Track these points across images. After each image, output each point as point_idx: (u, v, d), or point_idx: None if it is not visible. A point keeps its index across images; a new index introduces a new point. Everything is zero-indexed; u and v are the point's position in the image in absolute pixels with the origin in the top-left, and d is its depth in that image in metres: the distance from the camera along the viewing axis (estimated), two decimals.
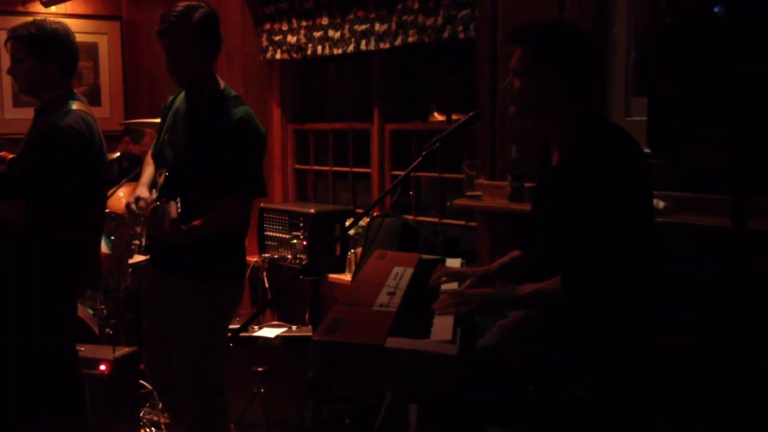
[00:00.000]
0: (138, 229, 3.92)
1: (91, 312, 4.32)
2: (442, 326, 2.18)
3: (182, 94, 3.14)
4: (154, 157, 3.18)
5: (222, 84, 3.05)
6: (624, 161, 2.19)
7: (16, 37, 3.04)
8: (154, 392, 3.74)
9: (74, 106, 3.07)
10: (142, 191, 3.07)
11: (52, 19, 3.51)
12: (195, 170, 2.94)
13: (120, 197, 4.39)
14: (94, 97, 5.89)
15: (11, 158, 3.14)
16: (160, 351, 3.13)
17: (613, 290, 2.12)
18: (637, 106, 3.04)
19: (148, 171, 3.20)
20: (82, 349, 3.73)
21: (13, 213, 2.95)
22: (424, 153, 2.45)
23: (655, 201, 2.72)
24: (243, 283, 3.18)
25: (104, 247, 4.22)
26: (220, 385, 3.08)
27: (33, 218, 2.93)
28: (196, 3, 2.97)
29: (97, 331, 4.18)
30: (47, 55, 3.03)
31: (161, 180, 3.04)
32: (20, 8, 5.53)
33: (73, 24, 5.71)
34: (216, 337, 3.04)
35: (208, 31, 2.94)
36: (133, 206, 2.98)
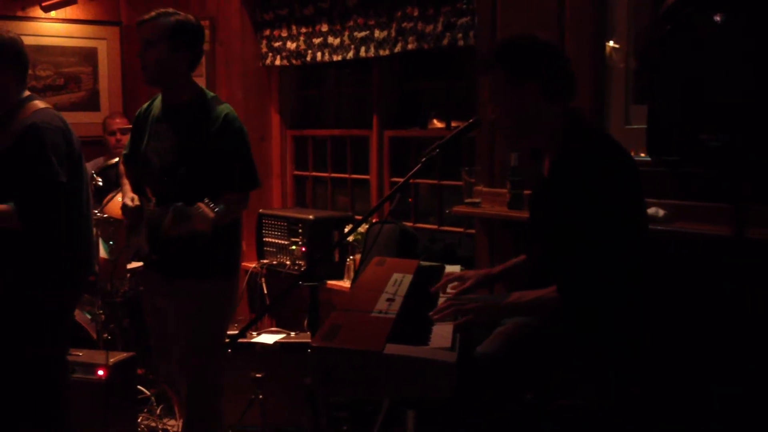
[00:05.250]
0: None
1: (89, 317, 4.31)
2: (441, 333, 2.17)
3: (157, 102, 3.18)
4: (138, 166, 3.18)
5: (199, 87, 3.12)
6: (612, 168, 2.20)
7: None
8: (164, 387, 3.74)
9: (41, 104, 3.07)
10: (134, 197, 3.10)
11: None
12: (188, 172, 2.97)
13: (118, 202, 4.37)
14: (93, 102, 5.90)
15: None
16: (164, 349, 3.21)
17: (607, 299, 2.13)
18: (636, 113, 3.05)
19: (129, 181, 3.24)
20: (80, 354, 3.73)
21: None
22: (424, 159, 2.46)
23: (654, 209, 2.73)
24: (239, 280, 3.26)
25: (102, 252, 4.21)
26: (219, 386, 3.14)
27: (28, 218, 2.92)
28: (173, 9, 3.06)
29: (95, 336, 4.17)
30: (6, 63, 3.02)
31: (151, 207, 3.07)
32: (20, 13, 5.53)
33: (72, 29, 5.76)
34: (216, 335, 3.10)
35: (188, 36, 3.02)
36: (130, 202, 3.01)
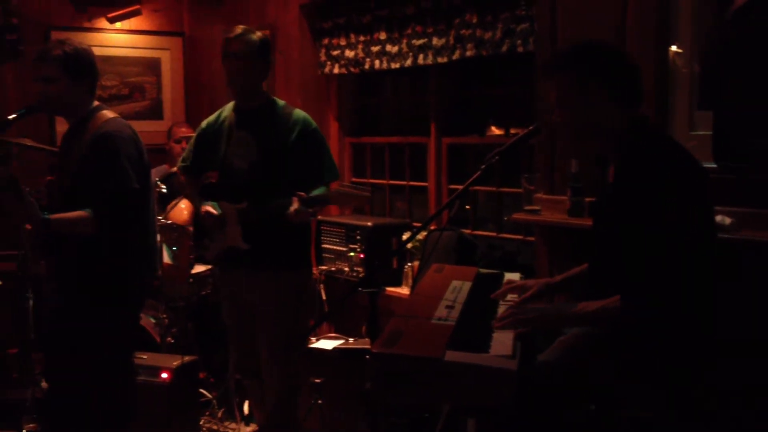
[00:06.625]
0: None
1: (153, 321, 4.40)
2: (502, 341, 2.16)
3: (227, 112, 3.48)
4: (220, 171, 3.47)
5: (267, 94, 3.49)
6: (681, 175, 2.16)
7: (50, 57, 3.10)
8: (238, 384, 3.86)
9: (110, 114, 3.16)
10: (212, 204, 3.42)
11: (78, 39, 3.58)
12: (276, 172, 3.32)
13: (182, 208, 4.47)
14: (156, 111, 6.04)
15: (49, 180, 3.24)
16: (246, 344, 3.51)
17: (675, 309, 2.09)
18: (701, 120, 2.99)
19: (193, 186, 3.57)
20: (144, 357, 3.81)
21: (72, 225, 3.02)
22: (483, 167, 2.45)
23: (720, 217, 2.67)
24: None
25: (166, 257, 4.31)
26: (297, 386, 3.51)
27: (103, 224, 3.01)
28: (247, 27, 3.43)
29: (158, 339, 4.26)
30: (80, 74, 3.12)
31: (234, 210, 3.35)
32: (86, 24, 5.70)
33: (137, 40, 5.91)
34: (300, 319, 3.45)
35: (267, 51, 3.44)
36: (213, 210, 3.35)
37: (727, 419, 2.67)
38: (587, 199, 3.24)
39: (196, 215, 3.56)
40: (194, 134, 3.65)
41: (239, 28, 3.39)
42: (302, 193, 3.19)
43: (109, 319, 3.12)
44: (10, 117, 3.11)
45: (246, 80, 3.37)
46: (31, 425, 4.09)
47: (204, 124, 3.57)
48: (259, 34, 3.41)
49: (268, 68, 3.47)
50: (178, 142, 5.17)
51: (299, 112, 3.45)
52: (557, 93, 2.31)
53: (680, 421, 2.18)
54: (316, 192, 3.31)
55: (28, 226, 3.06)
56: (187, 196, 3.61)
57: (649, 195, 2.13)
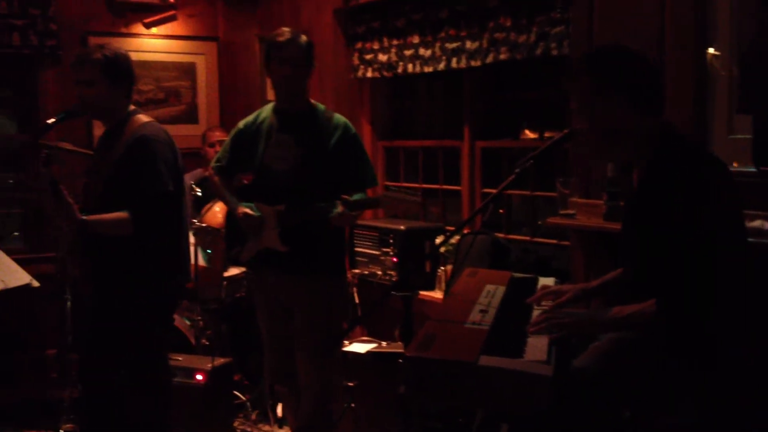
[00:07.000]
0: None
1: (188, 323, 4.45)
2: (537, 346, 2.15)
3: (267, 114, 3.47)
4: (257, 173, 3.46)
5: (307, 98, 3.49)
6: (706, 180, 2.13)
7: (90, 60, 3.15)
8: (275, 389, 3.87)
9: (145, 118, 3.21)
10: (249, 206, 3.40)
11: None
12: (317, 175, 3.33)
13: (216, 212, 4.51)
14: (191, 115, 6.10)
15: (84, 183, 3.30)
16: (281, 349, 3.50)
17: (709, 314, 2.06)
18: (740, 123, 2.94)
19: (227, 187, 3.54)
20: (180, 359, 3.85)
21: (110, 227, 3.06)
22: (517, 170, 2.44)
23: (759, 222, 2.64)
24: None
25: (201, 260, 4.35)
26: (335, 388, 3.53)
27: (140, 226, 3.05)
28: (294, 30, 3.45)
29: (193, 341, 4.30)
30: (118, 78, 3.16)
31: (273, 212, 3.34)
32: (123, 30, 5.77)
33: (172, 44, 5.97)
34: (336, 323, 3.47)
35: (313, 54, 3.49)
36: (251, 211, 3.34)
37: (763, 428, 2.63)
38: (623, 204, 3.21)
39: (230, 217, 3.55)
40: (229, 136, 3.62)
41: (287, 32, 3.39)
42: (346, 196, 3.20)
43: (143, 320, 3.16)
44: (50, 121, 3.17)
45: (299, 85, 3.40)
46: (68, 425, 4.15)
47: (241, 124, 3.55)
48: (305, 37, 3.42)
49: (311, 72, 3.50)
50: (212, 146, 5.21)
51: (340, 117, 3.47)
52: (577, 99, 2.30)
53: (715, 427, 2.14)
54: (356, 197, 3.30)
55: (65, 227, 3.12)
56: (220, 197, 3.60)
57: (675, 200, 2.10)
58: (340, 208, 3.18)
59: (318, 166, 3.35)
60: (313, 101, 3.50)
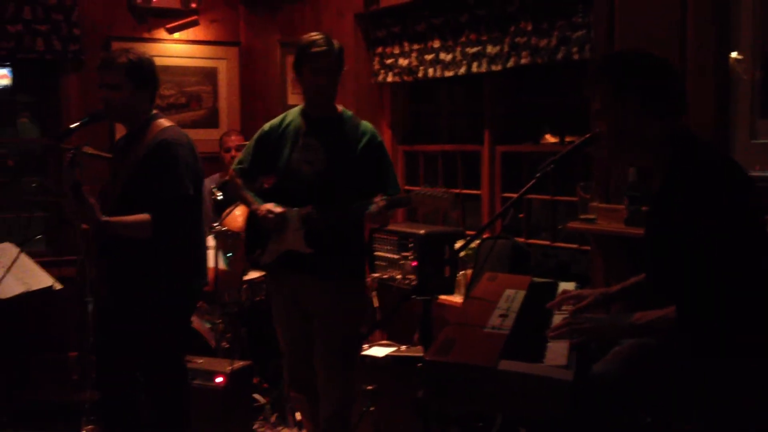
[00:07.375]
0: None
1: (208, 326, 4.47)
2: (557, 351, 2.14)
3: (294, 117, 3.46)
4: (282, 175, 3.44)
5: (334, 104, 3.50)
6: (725, 185, 2.11)
7: (115, 64, 3.18)
8: (292, 395, 3.87)
9: (167, 122, 3.23)
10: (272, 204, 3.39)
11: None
12: (343, 179, 3.34)
13: (236, 215, 4.53)
14: (212, 120, 6.14)
15: (103, 184, 3.33)
16: (300, 354, 3.49)
17: (729, 320, 2.04)
18: (763, 128, 2.92)
19: (249, 189, 3.52)
20: (200, 362, 3.87)
21: (131, 229, 3.09)
22: (538, 175, 2.44)
23: None
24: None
25: (221, 263, 4.37)
26: (353, 394, 3.50)
27: (160, 228, 3.07)
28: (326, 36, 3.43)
29: (213, 344, 4.32)
30: (142, 82, 3.19)
31: (298, 214, 3.34)
32: (146, 35, 5.83)
33: (194, 50, 6.02)
34: (357, 328, 3.47)
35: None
36: (275, 209, 3.32)
37: None
38: (644, 208, 3.19)
39: (251, 220, 3.53)
40: (253, 138, 3.60)
41: (320, 40, 3.37)
42: (381, 195, 3.23)
43: (158, 322, 3.18)
44: (73, 125, 3.20)
45: (334, 92, 3.44)
46: (90, 427, 4.18)
47: (267, 127, 3.53)
48: (336, 42, 3.43)
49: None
50: (228, 150, 5.22)
51: (367, 124, 3.50)
52: (596, 104, 2.30)
53: None
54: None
55: (85, 227, 3.16)
56: (241, 199, 3.58)
57: (694, 206, 2.09)
58: (375, 207, 3.19)
59: (345, 171, 3.37)
60: (340, 107, 3.51)
